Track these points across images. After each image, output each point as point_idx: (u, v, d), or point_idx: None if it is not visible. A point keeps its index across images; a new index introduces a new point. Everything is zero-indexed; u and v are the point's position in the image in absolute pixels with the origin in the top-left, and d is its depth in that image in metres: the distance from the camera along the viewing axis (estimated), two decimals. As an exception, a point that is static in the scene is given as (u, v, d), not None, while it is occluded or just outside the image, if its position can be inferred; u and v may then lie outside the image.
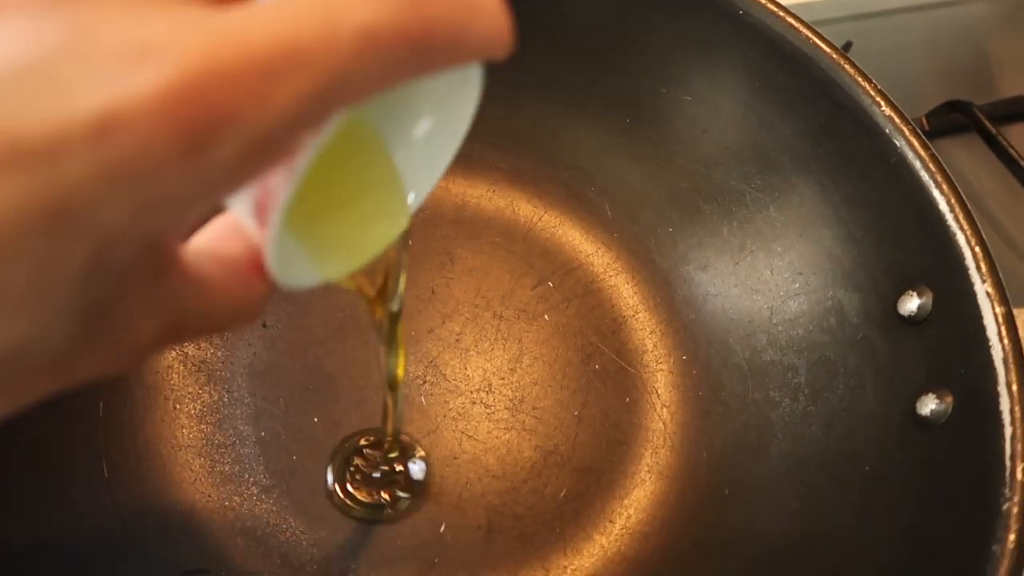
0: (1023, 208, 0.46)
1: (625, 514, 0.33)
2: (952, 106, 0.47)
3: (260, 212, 0.15)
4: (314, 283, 0.17)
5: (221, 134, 0.11)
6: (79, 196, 0.11)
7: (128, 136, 0.11)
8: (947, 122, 0.48)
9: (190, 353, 0.34)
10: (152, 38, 0.11)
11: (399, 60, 0.12)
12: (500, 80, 0.36)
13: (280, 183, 0.14)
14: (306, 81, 0.12)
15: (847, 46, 0.48)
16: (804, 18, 0.32)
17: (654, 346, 0.36)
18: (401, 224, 0.18)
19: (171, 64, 0.11)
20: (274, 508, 0.32)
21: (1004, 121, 0.49)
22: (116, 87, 0.11)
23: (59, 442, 0.30)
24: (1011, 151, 0.44)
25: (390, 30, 0.12)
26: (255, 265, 0.16)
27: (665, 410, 0.35)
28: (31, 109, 0.10)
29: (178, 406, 0.33)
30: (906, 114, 0.31)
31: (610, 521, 0.33)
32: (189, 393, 0.33)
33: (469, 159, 0.38)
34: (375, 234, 0.18)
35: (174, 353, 0.34)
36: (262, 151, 0.12)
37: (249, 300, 0.16)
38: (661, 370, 0.36)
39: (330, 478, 0.33)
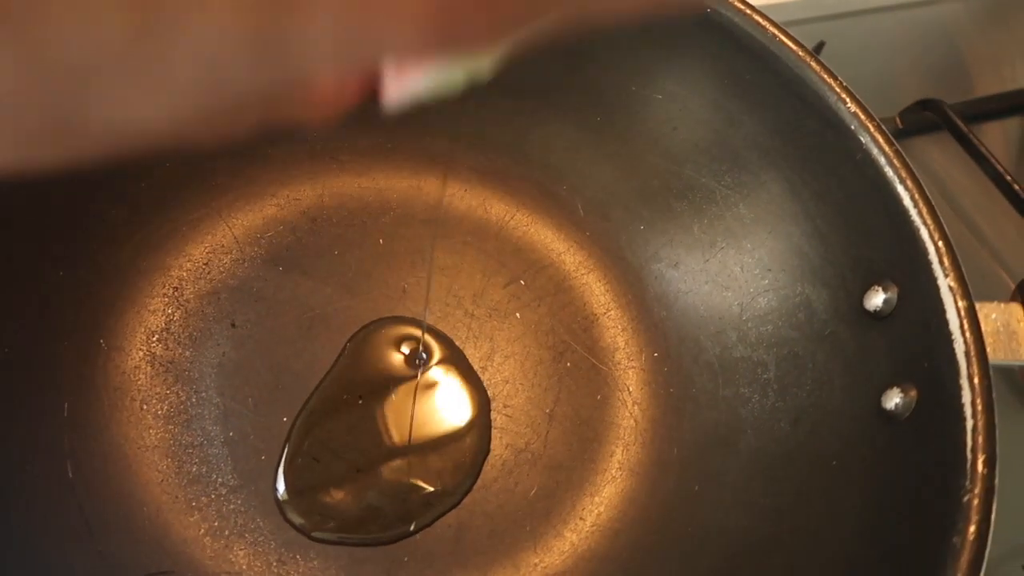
0: (995, 206, 0.46)
1: (596, 511, 0.33)
2: (924, 105, 0.48)
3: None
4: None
5: (478, 42, 0.10)
6: (298, 42, 0.10)
7: (385, 9, 0.10)
8: (920, 121, 0.48)
9: (158, 353, 0.34)
10: None
11: None
12: (471, 79, 0.36)
13: None
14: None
15: (820, 46, 0.49)
16: (777, 18, 0.33)
17: (625, 343, 0.36)
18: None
19: None
20: (242, 509, 0.31)
21: (977, 119, 0.49)
22: None
23: (22, 442, 0.30)
24: (982, 149, 0.45)
25: None
26: (362, 82, 0.16)
27: (636, 407, 0.35)
28: None
29: (145, 407, 0.33)
30: (880, 113, 0.31)
31: (581, 518, 0.33)
32: (156, 394, 0.33)
33: (440, 158, 0.38)
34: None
35: (142, 353, 0.34)
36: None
37: (339, 109, 0.16)
38: (632, 367, 0.36)
39: (282, 486, 0.32)
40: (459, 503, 0.33)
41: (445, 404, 0.34)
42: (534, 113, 0.38)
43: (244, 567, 0.30)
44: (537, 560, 0.32)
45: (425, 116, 0.38)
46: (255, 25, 0.10)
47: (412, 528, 0.32)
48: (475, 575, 0.32)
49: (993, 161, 0.44)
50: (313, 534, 0.31)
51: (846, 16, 0.53)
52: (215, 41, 0.10)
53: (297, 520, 0.31)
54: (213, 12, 0.09)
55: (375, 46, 0.10)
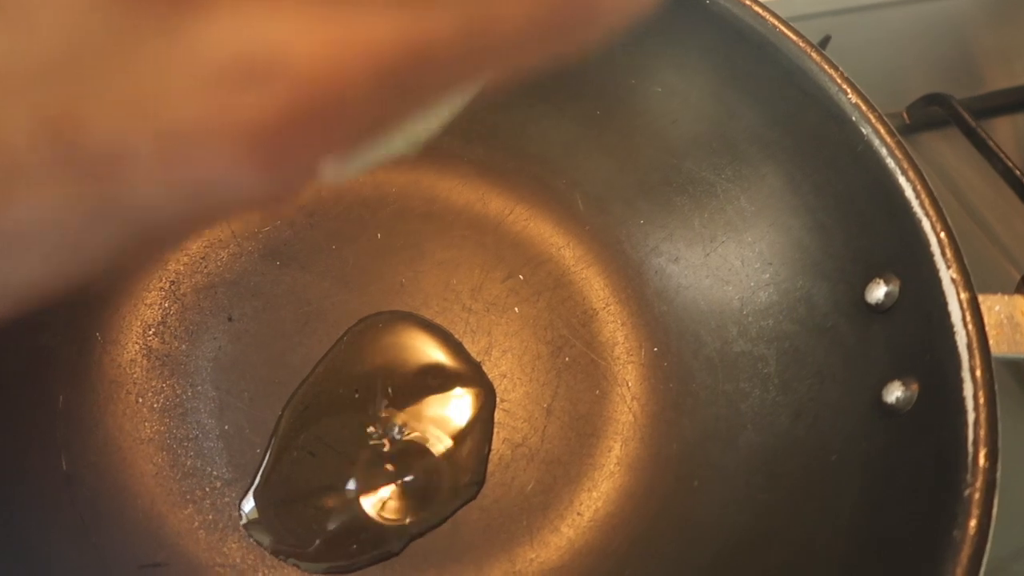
0: (1004, 200, 0.46)
1: (594, 506, 0.33)
2: (931, 99, 0.47)
3: None
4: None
5: (315, 164, 0.10)
6: (133, 199, 0.09)
7: (207, 160, 0.09)
8: (928, 116, 0.48)
9: (154, 347, 0.34)
10: (270, 46, 0.09)
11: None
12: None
13: None
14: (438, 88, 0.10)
15: (825, 40, 0.48)
16: (782, 13, 0.32)
17: (625, 338, 0.36)
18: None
19: (288, 85, 0.09)
20: (236, 502, 0.31)
21: (986, 114, 0.48)
22: (208, 107, 0.09)
23: (16, 435, 0.30)
24: (990, 143, 0.44)
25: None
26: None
27: (635, 402, 0.35)
28: (100, 113, 0.09)
29: (141, 400, 0.32)
30: (887, 108, 0.31)
31: (578, 513, 0.33)
32: (152, 387, 0.33)
33: (439, 152, 0.38)
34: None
35: (138, 347, 0.34)
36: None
37: (283, 205, 0.16)
38: (632, 362, 0.36)
39: (248, 505, 0.31)
40: (455, 512, 0.32)
41: (449, 401, 0.34)
42: (532, 107, 0.37)
43: (238, 560, 0.30)
44: (533, 555, 0.32)
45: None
46: (85, 194, 0.09)
47: (408, 522, 0.32)
48: (471, 570, 0.31)
49: (1002, 156, 0.43)
50: (298, 564, 0.31)
51: (852, 11, 0.52)
52: (51, 214, 0.09)
53: (265, 539, 0.31)
54: (37, 187, 0.09)
55: (218, 194, 0.10)
